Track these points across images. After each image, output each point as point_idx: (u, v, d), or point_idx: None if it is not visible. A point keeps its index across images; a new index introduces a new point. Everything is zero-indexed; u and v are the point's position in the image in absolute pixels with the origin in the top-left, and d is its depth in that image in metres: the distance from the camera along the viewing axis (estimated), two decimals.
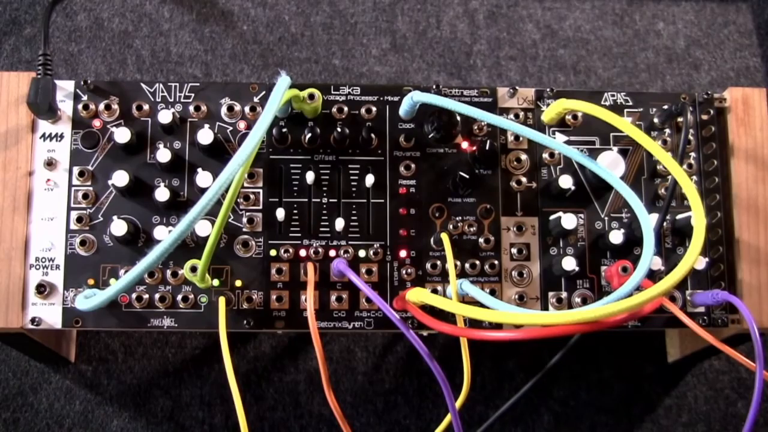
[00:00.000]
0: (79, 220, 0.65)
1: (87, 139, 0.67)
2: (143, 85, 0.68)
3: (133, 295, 0.65)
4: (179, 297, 0.65)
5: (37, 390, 0.84)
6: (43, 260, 0.65)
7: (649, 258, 0.56)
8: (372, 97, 0.70)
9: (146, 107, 0.68)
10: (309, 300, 0.62)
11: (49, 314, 0.65)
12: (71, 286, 0.65)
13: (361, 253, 0.67)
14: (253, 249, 0.67)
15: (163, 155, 0.65)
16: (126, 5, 0.99)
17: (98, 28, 0.97)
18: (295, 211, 0.67)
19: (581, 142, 0.70)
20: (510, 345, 0.88)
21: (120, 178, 0.64)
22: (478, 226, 0.68)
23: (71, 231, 0.66)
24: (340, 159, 0.68)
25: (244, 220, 0.66)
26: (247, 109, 0.68)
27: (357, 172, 0.68)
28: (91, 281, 0.65)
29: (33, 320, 0.64)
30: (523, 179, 0.69)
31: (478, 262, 0.67)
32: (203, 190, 0.66)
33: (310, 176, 0.67)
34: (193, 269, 0.61)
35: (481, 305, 0.60)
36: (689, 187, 0.57)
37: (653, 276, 0.68)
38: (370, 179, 0.67)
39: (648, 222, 0.59)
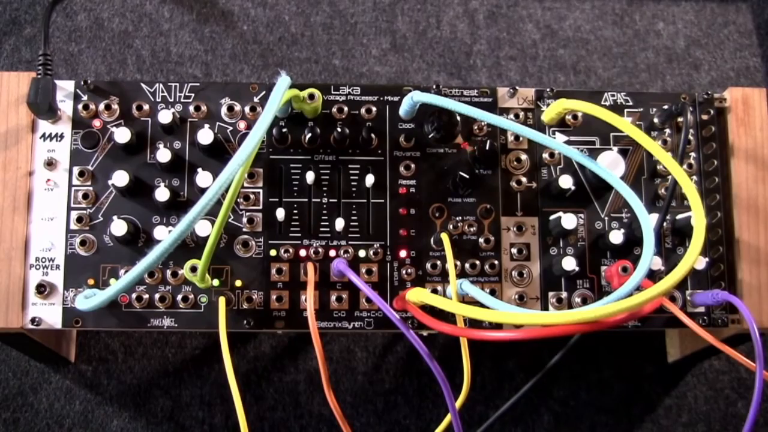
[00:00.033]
0: (79, 220, 0.65)
1: (87, 139, 0.67)
2: (143, 85, 0.68)
3: (133, 295, 0.65)
4: (179, 297, 0.65)
5: (37, 390, 0.84)
6: (43, 260, 0.65)
7: (649, 258, 0.56)
8: (372, 97, 0.70)
9: (146, 107, 0.68)
10: (309, 300, 0.62)
11: (49, 314, 0.65)
12: (71, 286, 0.65)
13: (361, 253, 0.67)
14: (253, 249, 0.67)
15: (163, 155, 0.65)
16: (126, 5, 0.99)
17: (98, 28, 0.97)
18: (295, 211, 0.67)
19: (581, 142, 0.70)
20: (510, 345, 0.88)
21: (120, 178, 0.64)
22: (478, 226, 0.68)
23: (71, 231, 0.66)
24: (340, 159, 0.68)
25: (244, 220, 0.66)
26: (247, 109, 0.68)
27: (357, 172, 0.68)
28: (91, 281, 0.65)
29: (33, 320, 0.64)
30: (523, 179, 0.69)
31: (478, 262, 0.67)
32: (203, 190, 0.66)
33: (310, 176, 0.67)
34: (193, 269, 0.61)
35: (481, 305, 0.60)
36: (689, 187, 0.57)
37: (653, 276, 0.68)
38: (370, 179, 0.67)
39: (648, 222, 0.59)
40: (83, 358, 0.85)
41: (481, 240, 0.67)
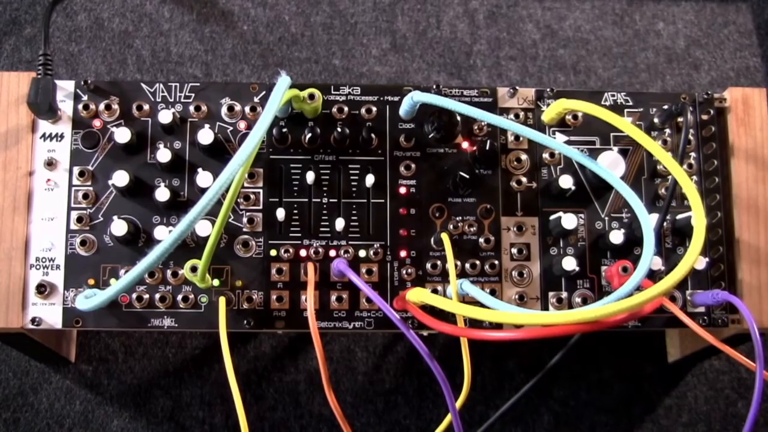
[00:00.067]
0: (79, 220, 0.65)
1: (87, 139, 0.67)
2: (143, 85, 0.68)
3: (134, 295, 0.65)
4: (179, 297, 0.65)
5: (37, 390, 0.84)
6: (44, 260, 0.65)
7: (649, 258, 0.56)
8: (372, 97, 0.70)
9: (146, 107, 0.68)
10: (309, 300, 0.62)
11: (50, 314, 0.65)
12: (71, 286, 0.65)
13: (362, 253, 0.67)
14: (254, 249, 0.67)
15: (164, 155, 0.65)
16: (126, 5, 0.99)
17: (98, 28, 0.97)
18: (296, 211, 0.67)
19: (581, 142, 0.70)
20: (510, 345, 0.88)
21: (120, 178, 0.64)
22: (478, 226, 0.68)
23: (71, 231, 0.66)
24: (340, 159, 0.68)
25: (245, 220, 0.66)
26: (247, 109, 0.68)
27: (357, 172, 0.68)
28: (91, 281, 0.65)
29: (33, 320, 0.64)
30: (524, 179, 0.69)
31: (478, 262, 0.67)
32: (203, 190, 0.66)
33: (310, 176, 0.67)
34: (194, 269, 0.61)
35: (482, 305, 0.60)
36: (689, 187, 0.57)
37: (653, 276, 0.68)
38: (370, 179, 0.67)
39: (648, 222, 0.59)
40: (83, 358, 0.85)
41: (481, 240, 0.67)
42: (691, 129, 0.70)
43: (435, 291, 0.66)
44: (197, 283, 0.61)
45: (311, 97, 0.65)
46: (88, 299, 0.58)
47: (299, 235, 0.67)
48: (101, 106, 0.67)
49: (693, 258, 0.53)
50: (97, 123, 0.67)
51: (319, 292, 0.66)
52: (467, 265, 0.67)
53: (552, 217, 0.68)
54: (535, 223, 0.69)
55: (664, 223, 0.68)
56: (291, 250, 0.66)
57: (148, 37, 0.97)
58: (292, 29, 0.99)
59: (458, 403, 0.61)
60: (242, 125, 0.68)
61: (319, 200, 0.68)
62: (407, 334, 0.58)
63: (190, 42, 0.97)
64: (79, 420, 0.84)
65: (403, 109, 0.68)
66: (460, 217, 0.68)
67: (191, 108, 0.68)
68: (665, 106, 0.70)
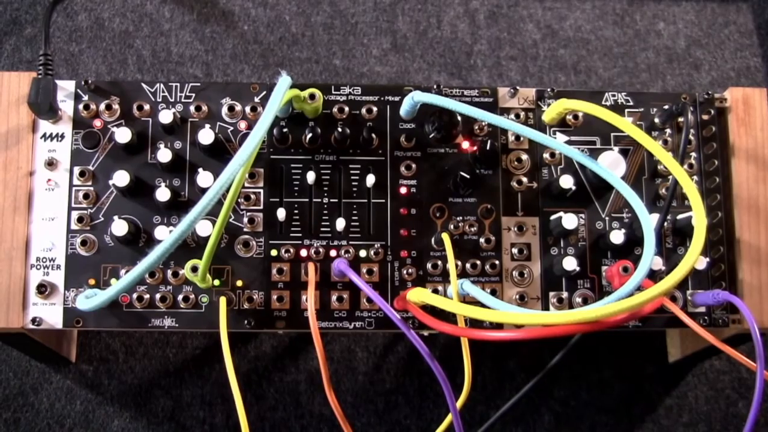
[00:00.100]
0: (79, 220, 0.65)
1: (88, 139, 0.67)
2: (144, 85, 0.68)
3: (134, 295, 0.65)
4: (180, 297, 0.65)
5: (37, 390, 0.84)
6: (44, 260, 0.65)
7: (649, 258, 0.56)
8: (373, 97, 0.70)
9: (147, 107, 0.68)
10: (310, 300, 0.62)
11: (50, 314, 0.65)
12: (72, 286, 0.65)
13: (362, 253, 0.67)
14: (254, 249, 0.67)
15: (164, 155, 0.65)
16: (127, 5, 0.99)
17: (99, 28, 0.97)
18: (296, 211, 0.67)
19: (582, 142, 0.70)
20: (511, 345, 0.88)
21: (121, 178, 0.64)
22: (478, 226, 0.68)
23: (72, 231, 0.66)
24: (340, 159, 0.68)
25: (245, 220, 0.66)
26: (247, 109, 0.68)
27: (358, 172, 0.68)
28: (92, 281, 0.65)
29: (34, 320, 0.64)
30: (524, 179, 0.69)
31: (478, 262, 0.67)
32: (204, 190, 0.66)
33: (310, 176, 0.67)
34: (194, 269, 0.61)
35: (482, 305, 0.60)
36: (690, 187, 0.57)
37: (654, 276, 0.68)
38: (370, 179, 0.67)
39: (649, 222, 0.59)
40: (84, 358, 0.85)
41: (481, 240, 0.67)
42: (692, 129, 0.70)
43: (435, 291, 0.66)
44: (198, 283, 0.61)
45: (312, 97, 0.65)
46: (89, 299, 0.58)
47: (300, 235, 0.67)
48: (102, 106, 0.67)
49: (693, 258, 0.53)
50: (97, 123, 0.67)
51: (320, 292, 0.66)
52: (468, 265, 0.67)
53: (552, 217, 0.68)
54: (535, 223, 0.69)
55: (665, 223, 0.68)
56: (292, 250, 0.66)
57: (149, 37, 0.97)
58: (292, 29, 0.99)
59: (459, 403, 0.61)
60: (243, 125, 0.68)
61: (319, 200, 0.68)
62: (408, 334, 0.58)
63: (191, 42, 0.97)
64: (80, 420, 0.84)
65: (404, 109, 0.68)
66: (461, 217, 0.68)
67: (192, 108, 0.68)
68: (666, 106, 0.70)
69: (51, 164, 0.66)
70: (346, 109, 0.69)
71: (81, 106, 0.67)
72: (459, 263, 0.67)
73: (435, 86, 0.70)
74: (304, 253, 0.67)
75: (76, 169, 0.66)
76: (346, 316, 0.66)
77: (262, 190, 0.68)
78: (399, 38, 1.00)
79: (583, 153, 0.66)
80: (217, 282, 0.66)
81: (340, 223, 0.66)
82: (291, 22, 1.00)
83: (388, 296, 0.67)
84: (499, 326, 0.66)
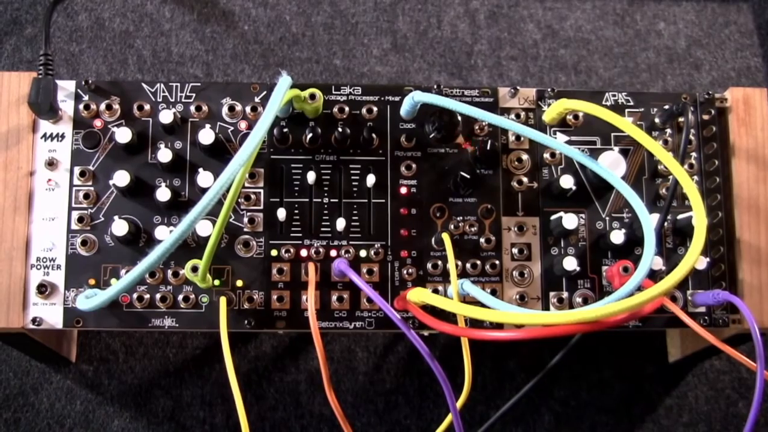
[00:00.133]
0: (80, 220, 0.65)
1: (88, 139, 0.67)
2: (144, 85, 0.68)
3: (134, 295, 0.65)
4: (180, 297, 0.65)
5: (38, 390, 0.84)
6: (44, 260, 0.65)
7: (650, 258, 0.56)
8: (373, 97, 0.70)
9: (147, 107, 0.68)
10: (310, 300, 0.63)
11: (50, 314, 0.65)
12: (72, 286, 0.65)
13: (362, 253, 0.67)
14: (254, 249, 0.67)
15: (164, 155, 0.65)
16: (127, 5, 0.99)
17: (99, 28, 0.97)
18: (296, 211, 0.67)
19: (582, 142, 0.70)
20: (511, 345, 0.88)
21: (121, 178, 0.65)
22: (479, 226, 0.68)
23: (72, 231, 0.66)
24: (341, 159, 0.68)
25: (245, 220, 0.66)
26: (248, 109, 0.68)
27: (358, 172, 0.68)
28: (92, 281, 0.65)
29: (34, 320, 0.64)
30: (524, 179, 0.69)
31: (479, 262, 0.67)
32: (204, 190, 0.66)
33: (311, 176, 0.67)
34: (194, 269, 0.61)
35: (482, 305, 0.60)
36: (690, 187, 0.57)
37: (654, 276, 0.68)
38: (371, 179, 0.67)
39: (649, 222, 0.59)
40: (84, 358, 0.85)
41: (482, 240, 0.67)
42: (692, 129, 0.70)
43: (436, 291, 0.66)
44: (198, 283, 0.61)
45: (312, 97, 0.65)
46: (89, 299, 0.58)
47: (300, 235, 0.67)
48: (102, 106, 0.67)
49: (694, 258, 0.53)
50: (97, 123, 0.67)
51: (320, 292, 0.66)
52: (468, 265, 0.67)
53: (553, 217, 0.68)
54: (536, 223, 0.69)
55: (665, 223, 0.68)
56: (292, 250, 0.66)
57: (149, 37, 0.97)
58: (293, 29, 0.99)
59: (459, 403, 0.61)
60: (243, 125, 0.68)
61: (319, 200, 0.68)
62: (408, 334, 0.58)
63: (191, 42, 0.97)
64: (80, 420, 0.84)
65: (404, 109, 0.68)
66: (461, 217, 0.68)
67: (192, 108, 0.68)
68: (666, 106, 0.70)
69: (51, 164, 0.66)
70: (347, 109, 0.69)
71: (81, 106, 0.67)
72: (459, 263, 0.67)
73: (435, 86, 0.70)
74: (304, 253, 0.67)
75: (77, 169, 0.66)
76: (347, 316, 0.66)
77: (262, 190, 0.68)
78: (399, 38, 1.00)
79: (583, 153, 0.66)
80: (217, 282, 0.66)
81: (341, 223, 0.66)
82: (291, 22, 1.00)
83: (388, 296, 0.67)
84: (499, 326, 0.66)
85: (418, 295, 0.60)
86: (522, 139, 0.69)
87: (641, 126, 0.71)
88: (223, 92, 0.69)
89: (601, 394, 0.87)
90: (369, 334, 0.88)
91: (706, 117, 0.71)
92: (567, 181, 0.67)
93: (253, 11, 1.00)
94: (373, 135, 0.68)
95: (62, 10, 0.98)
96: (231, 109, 0.68)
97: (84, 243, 0.65)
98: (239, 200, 0.67)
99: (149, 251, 0.52)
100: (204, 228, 0.64)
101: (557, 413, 0.87)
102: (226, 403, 0.84)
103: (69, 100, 0.68)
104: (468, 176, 0.67)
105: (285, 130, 0.67)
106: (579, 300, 0.67)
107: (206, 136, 0.66)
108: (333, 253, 0.67)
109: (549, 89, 0.71)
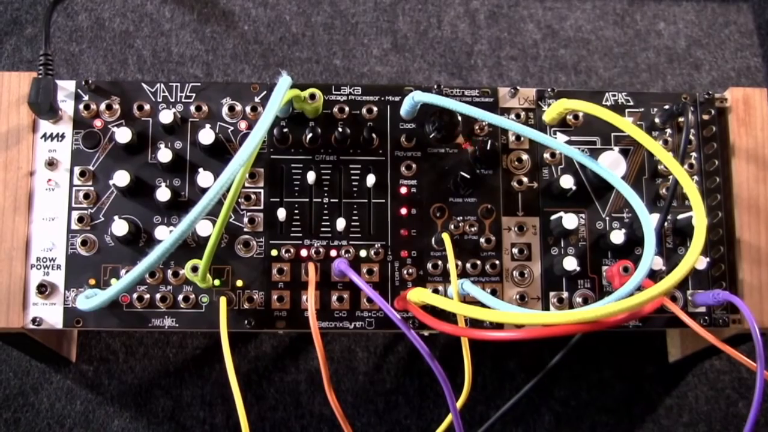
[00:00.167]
0: (80, 220, 0.65)
1: (88, 139, 0.67)
2: (144, 85, 0.68)
3: (134, 295, 0.65)
4: (180, 297, 0.65)
5: (38, 390, 0.84)
6: (44, 260, 0.65)
7: (650, 258, 0.56)
8: (373, 97, 0.70)
9: (147, 107, 0.68)
10: (310, 300, 0.63)
11: (50, 314, 0.65)
12: (72, 286, 0.65)
13: (362, 253, 0.67)
14: (254, 249, 0.67)
15: (164, 155, 0.65)
16: (127, 5, 0.99)
17: (99, 28, 0.97)
18: (296, 211, 0.67)
19: (582, 142, 0.70)
20: (511, 345, 0.88)
21: (121, 178, 0.65)
22: (479, 226, 0.68)
23: (72, 231, 0.66)
24: (341, 159, 0.68)
25: (245, 220, 0.66)
26: (248, 109, 0.68)
27: (358, 172, 0.68)
28: (92, 281, 0.65)
29: (34, 320, 0.64)
30: (524, 179, 0.69)
31: (479, 262, 0.67)
32: (204, 190, 0.66)
33: (311, 176, 0.67)
34: (195, 269, 0.61)
35: (482, 305, 0.60)
36: (690, 187, 0.57)
37: (654, 276, 0.68)
38: (371, 179, 0.67)
39: (649, 222, 0.59)
40: (84, 358, 0.85)
41: (482, 240, 0.67)
42: (692, 129, 0.70)
43: (436, 291, 0.66)
44: (198, 283, 0.61)
45: (312, 97, 0.65)
46: (89, 299, 0.58)
47: (300, 235, 0.67)
48: (102, 106, 0.67)
49: (694, 258, 0.53)
50: (98, 123, 0.67)
51: (320, 292, 0.66)
52: (468, 265, 0.67)
53: (553, 217, 0.68)
54: (536, 223, 0.69)
55: (665, 223, 0.68)
56: (292, 250, 0.66)
57: (149, 37, 0.97)
58: (293, 29, 0.99)
59: (459, 403, 0.61)
60: (243, 125, 0.68)
61: (320, 200, 0.68)
62: (408, 334, 0.58)
63: (191, 42, 0.97)
64: (80, 420, 0.84)
65: (404, 109, 0.68)
66: (461, 217, 0.68)
67: (192, 108, 0.68)
68: (666, 106, 0.70)
69: (51, 164, 0.66)
70: (347, 109, 0.69)
71: (81, 106, 0.67)
72: (459, 263, 0.67)
73: (435, 86, 0.70)
74: (304, 253, 0.67)
75: (77, 169, 0.66)
76: (347, 316, 0.66)
77: (262, 190, 0.68)
78: (399, 38, 1.00)
79: (583, 153, 0.66)
80: (217, 282, 0.66)
81: (341, 223, 0.66)
82: (291, 22, 1.00)
83: (388, 296, 0.67)
84: (499, 326, 0.66)
85: (418, 295, 0.60)
86: (522, 139, 0.70)
87: (641, 126, 0.71)
88: (223, 92, 0.69)
89: (601, 394, 0.87)
90: (369, 334, 0.88)
91: (706, 117, 0.71)
92: (567, 181, 0.67)
93: (253, 11, 1.00)
94: (373, 135, 0.68)
95: (62, 10, 0.98)
96: (231, 109, 0.68)
97: (84, 243, 0.65)
98: (239, 200, 0.67)
99: (149, 251, 0.52)
100: (204, 228, 0.64)
101: (557, 413, 0.87)
102: (226, 403, 0.84)
103: (69, 100, 0.68)
104: (468, 176, 0.67)
105: (285, 130, 0.67)
106: (579, 300, 0.67)
107: (206, 136, 0.66)
108: (333, 253, 0.67)
109: (549, 89, 0.71)
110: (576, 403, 0.87)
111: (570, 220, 0.66)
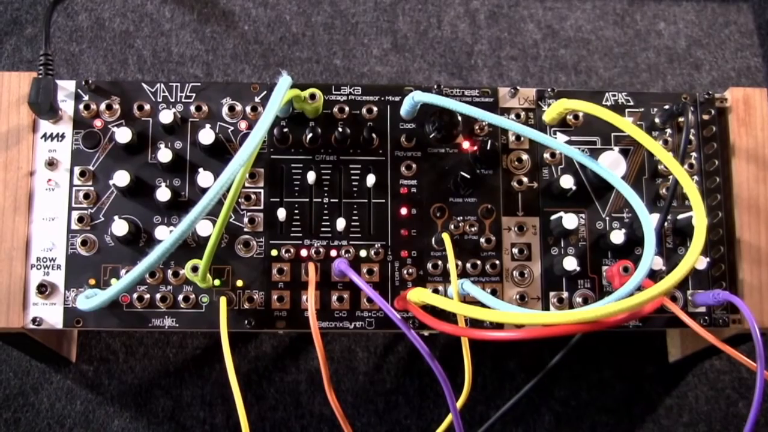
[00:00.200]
0: (80, 220, 0.65)
1: (88, 139, 0.67)
2: (144, 85, 0.68)
3: (134, 295, 0.65)
4: (180, 297, 0.65)
5: (38, 390, 0.84)
6: (45, 260, 0.65)
7: (650, 258, 0.56)
8: (373, 97, 0.70)
9: (147, 107, 0.68)
10: (310, 300, 0.63)
11: (50, 314, 0.65)
12: (72, 286, 0.65)
13: (362, 253, 0.67)
14: (255, 249, 0.67)
15: (164, 155, 0.65)
16: (127, 5, 0.99)
17: (99, 28, 0.97)
18: (296, 211, 0.67)
19: (582, 142, 0.70)
20: (511, 345, 0.88)
21: (121, 178, 0.65)
22: (479, 226, 0.68)
23: (72, 231, 0.66)
24: (341, 159, 0.68)
25: (246, 220, 0.66)
26: (248, 109, 0.68)
27: (358, 172, 0.68)
28: (92, 281, 0.65)
29: (34, 320, 0.64)
30: (524, 179, 0.69)
31: (479, 262, 0.67)
32: (204, 190, 0.66)
33: (311, 176, 0.67)
34: (195, 269, 0.61)
35: (483, 305, 0.60)
36: (690, 187, 0.57)
37: (654, 276, 0.68)
38: (371, 179, 0.67)
39: (649, 222, 0.59)
40: (84, 358, 0.85)
41: (482, 240, 0.67)
42: (692, 129, 0.70)
43: (436, 291, 0.66)
44: (198, 283, 0.61)
45: (312, 97, 0.65)
46: (89, 299, 0.58)
47: (300, 235, 0.67)
48: (102, 106, 0.67)
49: (694, 258, 0.53)
50: (98, 123, 0.67)
51: (320, 292, 0.66)
52: (468, 265, 0.67)
53: (553, 217, 0.68)
54: (536, 223, 0.69)
55: (665, 223, 0.68)
56: (292, 250, 0.66)
57: (149, 37, 0.97)
58: (293, 29, 0.99)
59: (459, 403, 0.61)
60: (243, 125, 0.68)
61: (320, 200, 0.68)
62: (408, 334, 0.58)
63: (191, 42, 0.97)
64: (80, 420, 0.84)
65: (404, 109, 0.68)
66: (461, 217, 0.68)
67: (192, 108, 0.68)
68: (666, 106, 0.70)
69: (51, 164, 0.66)
70: (347, 109, 0.69)
71: (81, 106, 0.67)
72: (459, 263, 0.67)
73: (435, 86, 0.70)
74: (304, 253, 0.67)
75: (77, 169, 0.66)
76: (347, 316, 0.66)
77: (262, 190, 0.68)
78: (399, 38, 1.00)
79: (583, 153, 0.66)
80: (217, 282, 0.66)
81: (341, 223, 0.66)
82: (291, 22, 1.00)
83: (388, 296, 0.67)
84: (499, 326, 0.66)
85: (418, 295, 0.60)
86: (522, 139, 0.70)
87: (641, 126, 0.71)
88: (223, 92, 0.69)
89: (601, 394, 0.87)
90: (369, 334, 0.88)
91: (706, 117, 0.71)
92: (567, 181, 0.67)
93: (253, 11, 1.00)
94: (373, 135, 0.68)
95: (62, 10, 0.98)
96: (231, 109, 0.68)
97: (84, 243, 0.65)
98: (239, 200, 0.67)
99: (149, 251, 0.52)
100: (204, 228, 0.64)
101: (557, 413, 0.87)
102: (226, 403, 0.84)
103: (69, 100, 0.68)
104: (468, 176, 0.67)
105: (285, 130, 0.67)
106: (579, 300, 0.67)
107: (206, 136, 0.66)
108: (333, 253, 0.67)
109: (549, 89, 0.71)
110: (576, 403, 0.87)
111: (570, 220, 0.66)
